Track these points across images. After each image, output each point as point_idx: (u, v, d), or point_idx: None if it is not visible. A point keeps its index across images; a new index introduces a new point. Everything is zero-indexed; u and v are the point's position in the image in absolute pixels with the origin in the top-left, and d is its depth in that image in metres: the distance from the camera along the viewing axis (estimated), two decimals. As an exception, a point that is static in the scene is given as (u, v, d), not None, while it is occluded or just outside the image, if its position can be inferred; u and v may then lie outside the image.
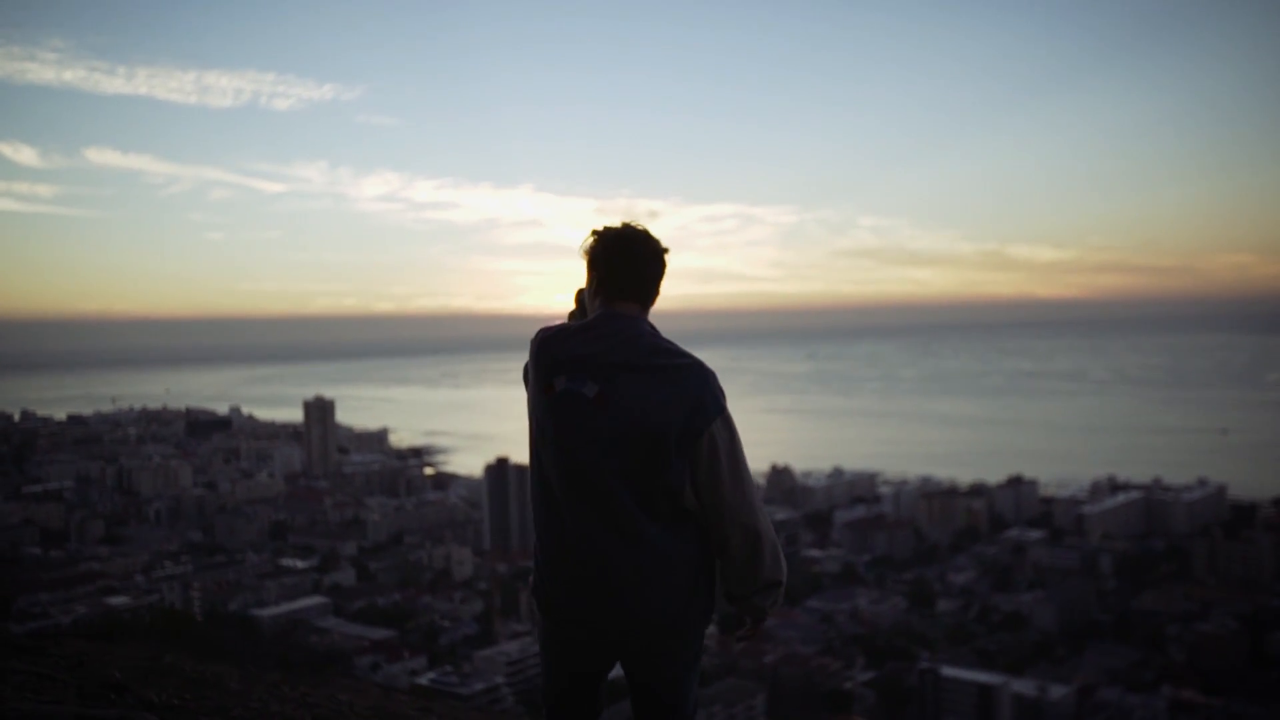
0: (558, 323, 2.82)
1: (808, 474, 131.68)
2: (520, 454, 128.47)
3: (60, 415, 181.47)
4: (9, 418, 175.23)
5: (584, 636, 2.69)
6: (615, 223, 2.75)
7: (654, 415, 2.51)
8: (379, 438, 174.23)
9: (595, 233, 2.74)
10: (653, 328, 2.70)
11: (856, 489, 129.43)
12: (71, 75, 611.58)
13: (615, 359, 2.57)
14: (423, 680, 61.65)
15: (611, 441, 2.52)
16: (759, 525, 2.61)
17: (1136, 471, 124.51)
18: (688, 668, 2.75)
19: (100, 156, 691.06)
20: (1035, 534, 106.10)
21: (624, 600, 2.56)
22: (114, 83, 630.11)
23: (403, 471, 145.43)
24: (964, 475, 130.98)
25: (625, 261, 2.68)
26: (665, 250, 2.73)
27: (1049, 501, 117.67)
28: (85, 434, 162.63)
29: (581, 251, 2.76)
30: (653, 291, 2.73)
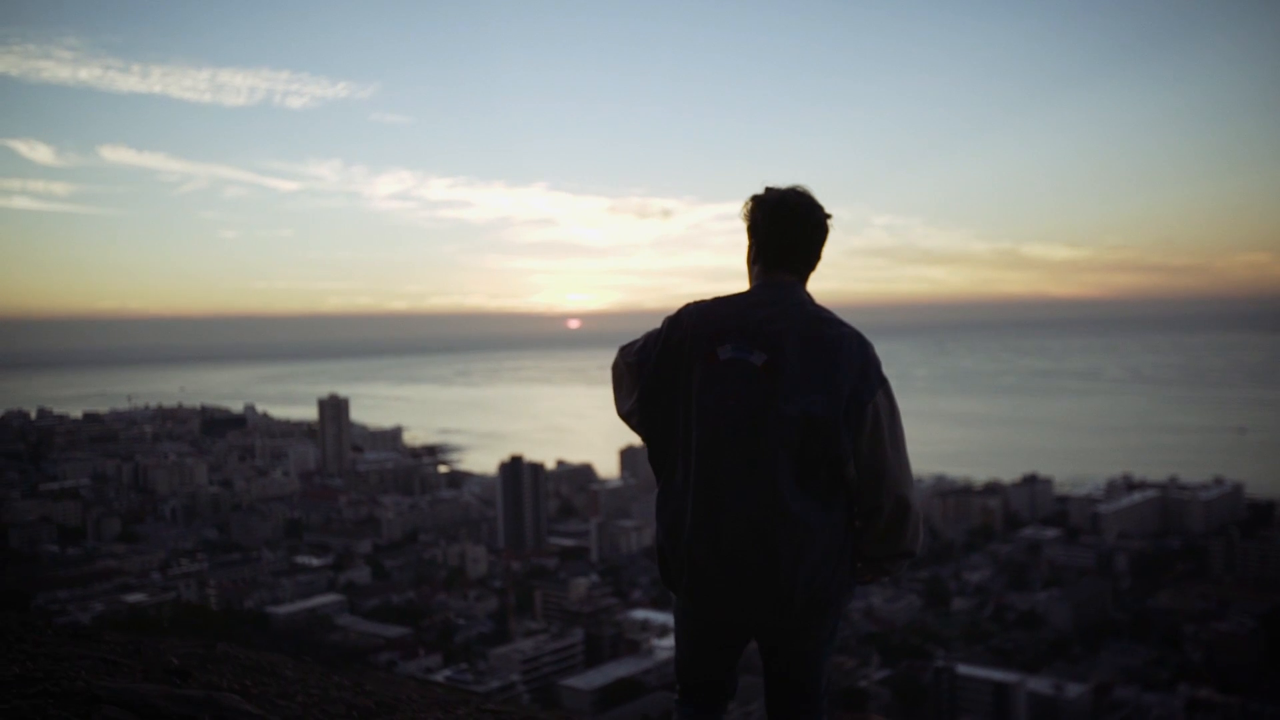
0: (708, 297, 2.72)
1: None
2: (534, 451, 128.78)
3: (76, 413, 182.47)
4: (26, 415, 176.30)
5: (728, 615, 2.59)
6: (779, 186, 2.71)
7: (822, 385, 2.48)
8: (393, 436, 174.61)
9: (756, 198, 2.70)
10: (809, 296, 2.67)
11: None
12: (87, 74, 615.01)
13: (780, 327, 2.53)
14: (439, 678, 61.74)
15: (779, 411, 2.47)
16: (910, 496, 2.61)
17: (1152, 470, 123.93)
18: (825, 644, 2.72)
19: (115, 154, 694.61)
20: (1051, 533, 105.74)
21: (778, 575, 2.49)
22: (129, 81, 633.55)
23: (417, 470, 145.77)
24: (979, 474, 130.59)
25: (787, 229, 2.66)
26: (828, 216, 2.70)
27: (1064, 500, 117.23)
28: (101, 431, 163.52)
29: (741, 216, 2.73)
30: (813, 260, 2.71)
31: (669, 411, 2.59)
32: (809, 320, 2.55)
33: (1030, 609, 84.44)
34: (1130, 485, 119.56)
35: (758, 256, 2.70)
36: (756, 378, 2.50)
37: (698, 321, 2.59)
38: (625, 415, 2.73)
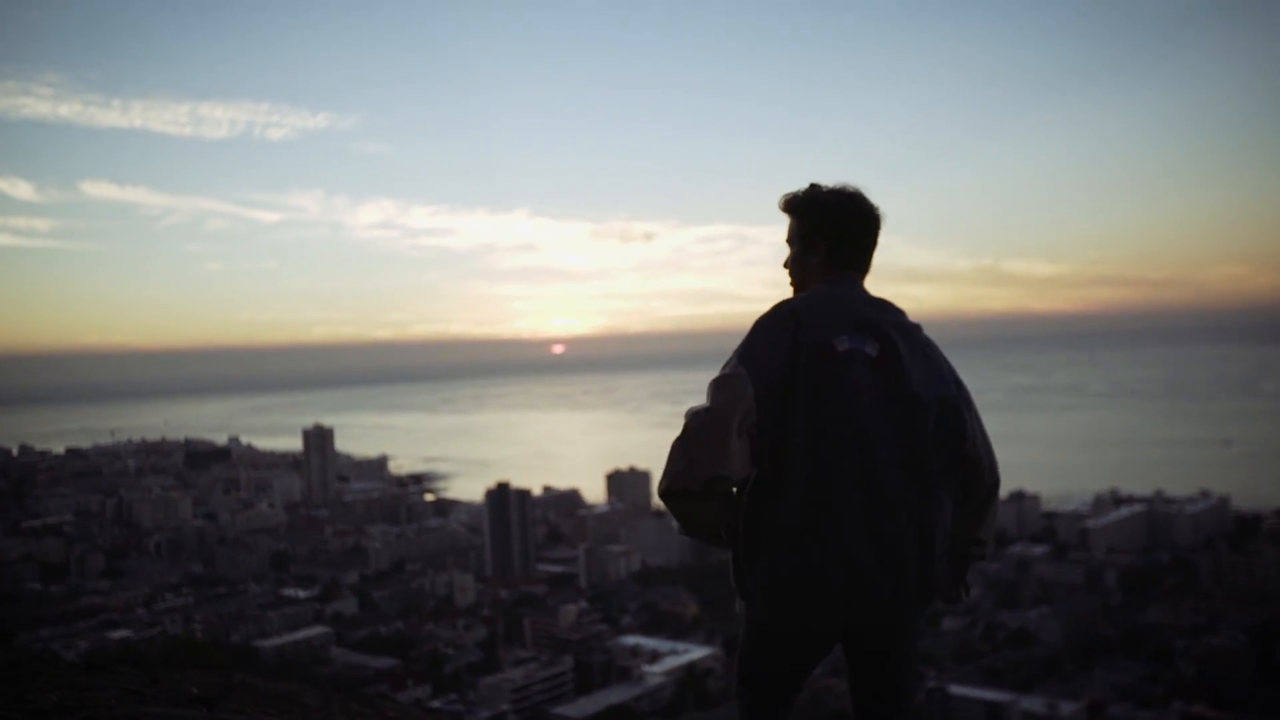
0: (802, 294, 2.69)
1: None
2: (520, 478, 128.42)
3: (59, 449, 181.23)
4: (8, 452, 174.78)
5: (874, 612, 2.52)
6: (841, 185, 2.68)
7: (933, 376, 2.59)
8: (379, 465, 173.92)
9: (823, 198, 2.70)
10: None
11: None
12: (67, 109, 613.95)
13: (880, 318, 2.60)
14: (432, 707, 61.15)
15: (915, 396, 2.53)
16: (999, 481, 2.74)
17: (1139, 484, 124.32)
18: (919, 638, 2.73)
19: (96, 189, 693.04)
20: (1039, 549, 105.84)
21: (932, 564, 2.53)
22: (109, 116, 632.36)
23: (403, 498, 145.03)
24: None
25: (864, 231, 2.72)
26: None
27: (1052, 516, 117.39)
28: (84, 467, 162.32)
29: (792, 210, 2.74)
30: (871, 261, 2.79)
31: (790, 406, 2.49)
32: (894, 313, 2.66)
33: (1021, 627, 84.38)
34: (1117, 500, 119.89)
35: (830, 256, 2.70)
36: (877, 367, 2.53)
37: (807, 316, 2.56)
38: (742, 415, 2.42)
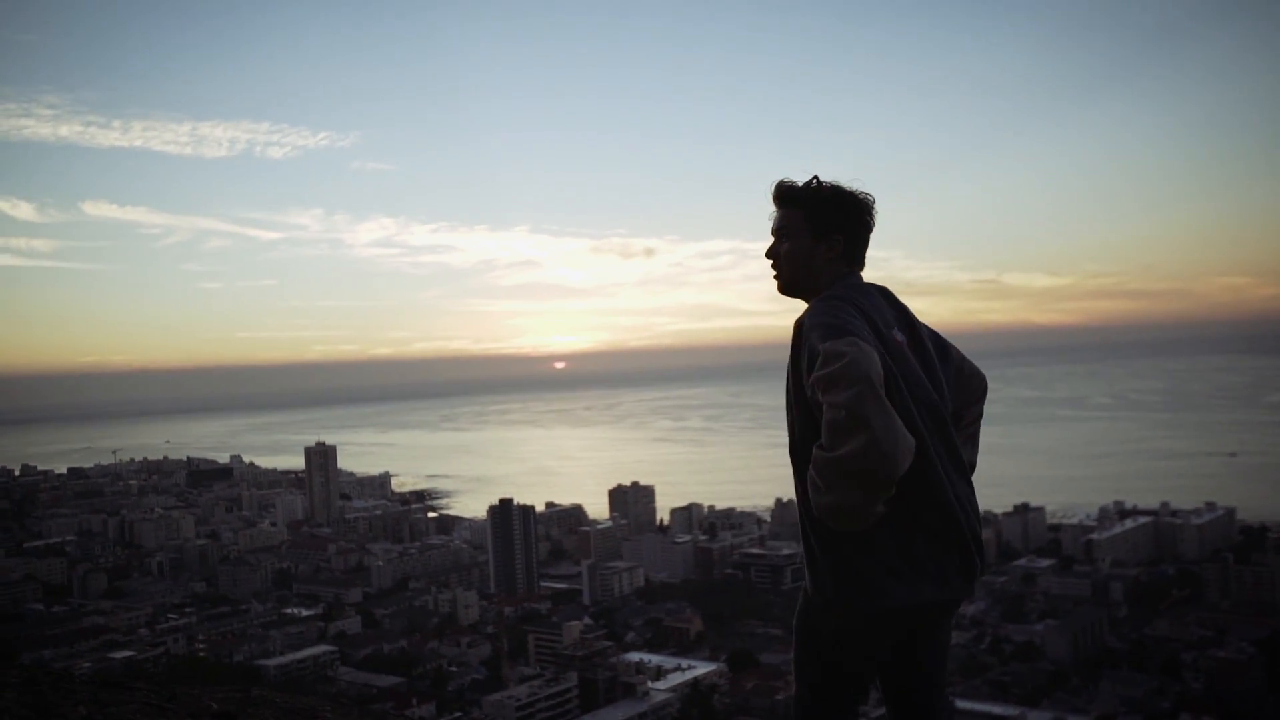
0: (843, 286, 2.67)
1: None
2: (523, 495, 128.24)
3: (61, 468, 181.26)
4: (10, 472, 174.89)
5: (943, 599, 2.54)
6: (838, 182, 2.70)
7: (946, 352, 2.85)
8: (381, 483, 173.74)
9: (850, 194, 2.72)
10: None
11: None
12: (68, 130, 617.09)
13: (897, 306, 2.77)
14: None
15: (949, 383, 2.75)
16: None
17: (1144, 497, 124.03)
18: None
19: (97, 210, 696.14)
20: (1044, 562, 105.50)
21: (979, 534, 2.61)
22: (110, 136, 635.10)
23: (406, 516, 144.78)
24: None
25: (870, 228, 2.78)
26: None
27: (1057, 529, 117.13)
28: (86, 487, 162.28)
29: (808, 203, 2.72)
30: None
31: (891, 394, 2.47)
32: (895, 297, 2.80)
33: (1028, 640, 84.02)
34: (1122, 512, 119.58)
35: (846, 252, 2.73)
36: (917, 355, 2.66)
37: (868, 308, 2.59)
38: (871, 364, 2.33)
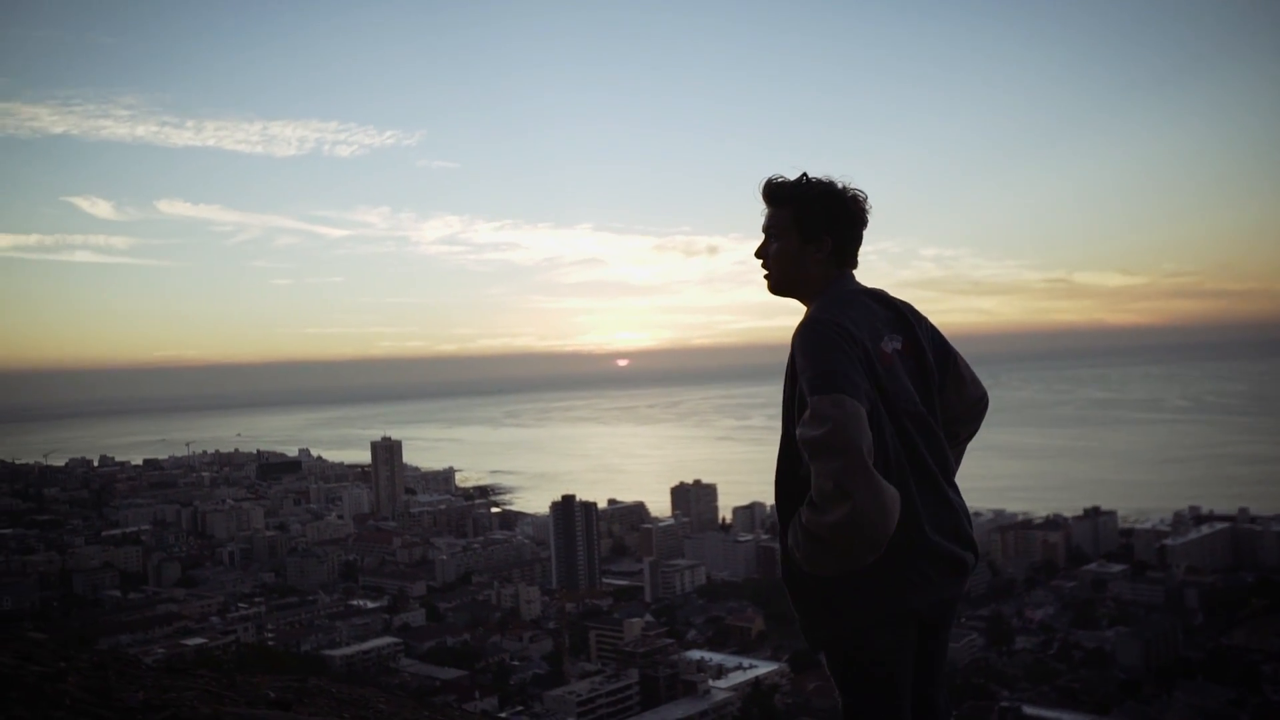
0: (824, 303, 2.62)
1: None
2: (585, 491, 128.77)
3: (137, 460, 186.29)
4: (89, 463, 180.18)
5: (932, 601, 2.59)
6: (830, 178, 2.66)
7: (945, 355, 2.79)
8: (445, 478, 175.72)
9: (844, 193, 2.67)
10: None
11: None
12: (144, 130, 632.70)
13: (894, 306, 2.72)
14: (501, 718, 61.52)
15: (927, 382, 2.67)
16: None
17: (1221, 502, 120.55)
18: None
19: (171, 208, 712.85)
20: (1116, 568, 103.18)
21: (972, 536, 2.69)
22: (184, 136, 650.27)
23: (469, 511, 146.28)
24: (1038, 508, 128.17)
25: (861, 227, 2.72)
26: None
27: (1129, 534, 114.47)
28: (161, 478, 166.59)
29: (797, 201, 2.66)
30: None
31: (880, 413, 2.50)
32: (889, 297, 2.75)
33: (1098, 647, 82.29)
34: (1198, 518, 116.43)
35: (835, 252, 2.68)
36: (911, 362, 2.64)
37: (854, 327, 2.52)
38: (859, 431, 2.35)
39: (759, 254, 2.74)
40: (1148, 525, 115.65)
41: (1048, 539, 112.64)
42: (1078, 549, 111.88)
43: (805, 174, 2.67)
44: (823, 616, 2.55)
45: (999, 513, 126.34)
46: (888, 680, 2.58)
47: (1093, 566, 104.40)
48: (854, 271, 2.73)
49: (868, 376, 2.46)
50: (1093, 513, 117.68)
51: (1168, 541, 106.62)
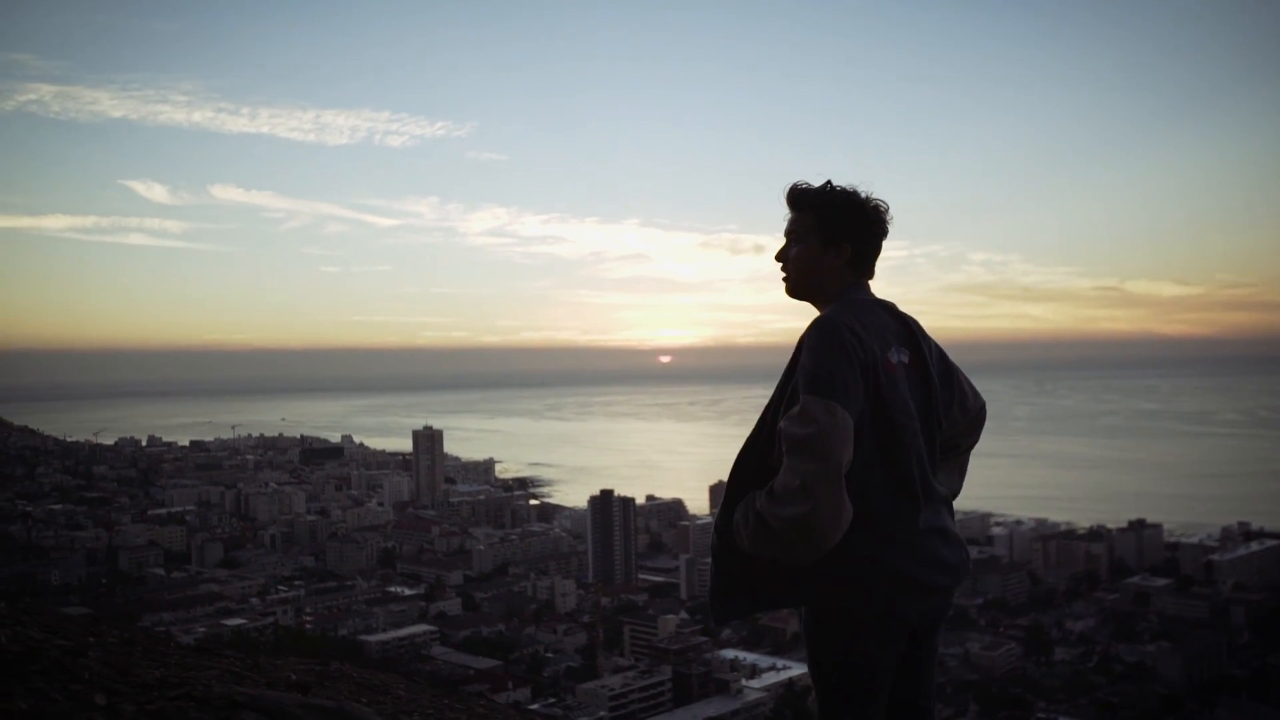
0: (840, 306, 2.66)
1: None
2: (624, 487, 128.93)
3: (184, 441, 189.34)
4: (137, 443, 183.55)
5: (914, 607, 2.60)
6: (854, 188, 2.69)
7: (950, 375, 2.79)
8: (485, 468, 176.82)
9: (866, 203, 2.70)
10: None
11: (968, 529, 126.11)
12: (200, 116, 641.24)
13: (904, 321, 2.72)
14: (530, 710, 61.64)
15: (929, 399, 2.68)
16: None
17: (1272, 519, 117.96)
18: None
19: (225, 193, 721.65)
20: (1160, 582, 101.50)
21: (959, 550, 2.70)
22: (238, 122, 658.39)
23: (508, 502, 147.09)
24: (1082, 518, 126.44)
25: (882, 238, 2.75)
26: None
27: (1174, 548, 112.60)
28: (206, 459, 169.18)
29: (821, 209, 2.70)
30: None
31: (866, 424, 2.53)
32: (900, 312, 2.75)
33: (1139, 661, 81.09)
34: (1248, 534, 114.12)
35: (854, 260, 2.71)
36: (911, 371, 2.65)
37: (864, 332, 2.56)
38: (842, 443, 2.43)
39: (779, 257, 2.78)
40: (1194, 540, 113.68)
41: (1090, 550, 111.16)
42: (1121, 561, 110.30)
43: (829, 181, 2.71)
44: (748, 593, 2.63)
45: (1041, 521, 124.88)
46: (868, 683, 2.62)
47: (1136, 579, 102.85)
48: (869, 282, 2.77)
49: (868, 384, 2.51)
50: (1138, 525, 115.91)
51: (1215, 557, 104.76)
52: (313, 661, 4.55)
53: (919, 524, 2.58)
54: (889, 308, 2.72)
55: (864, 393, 2.50)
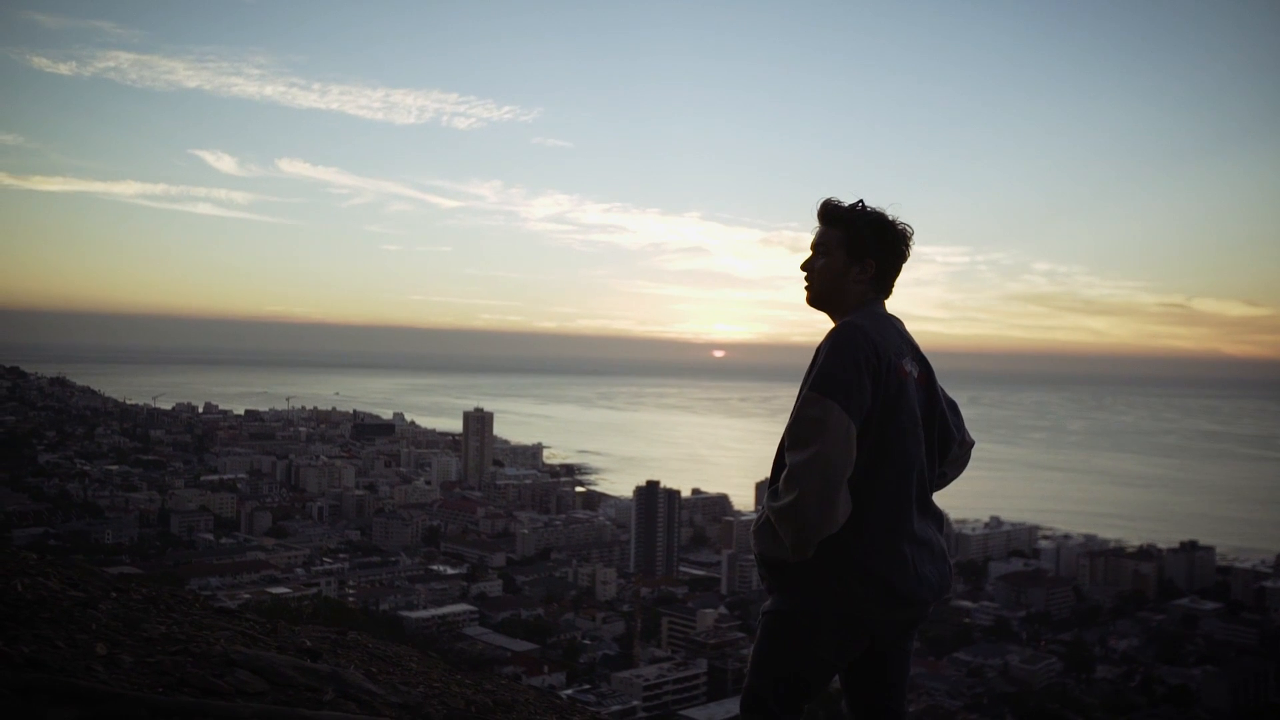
0: (860, 315, 2.77)
1: (963, 522, 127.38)
2: (671, 479, 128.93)
3: (239, 410, 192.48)
4: (194, 409, 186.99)
5: (892, 617, 2.68)
6: (886, 212, 2.82)
7: (941, 393, 2.88)
8: (533, 453, 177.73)
9: (894, 224, 2.82)
10: None
11: (1014, 541, 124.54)
12: (271, 90, 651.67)
13: (912, 342, 2.84)
14: (562, 696, 62.02)
15: (933, 417, 2.80)
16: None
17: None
18: None
19: (292, 167, 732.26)
20: (1209, 605, 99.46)
21: (944, 564, 2.77)
22: (309, 98, 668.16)
23: (554, 488, 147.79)
24: (1132, 536, 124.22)
25: (900, 261, 2.87)
26: None
27: (1226, 571, 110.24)
28: (260, 429, 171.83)
29: (853, 225, 2.81)
30: None
31: (873, 428, 2.64)
32: (914, 341, 2.89)
33: (1183, 684, 79.52)
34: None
35: (876, 277, 2.82)
36: (920, 387, 2.77)
37: (880, 340, 2.68)
38: (850, 464, 2.56)
39: (804, 266, 2.90)
40: (1247, 565, 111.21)
41: (1139, 569, 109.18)
42: (1170, 582, 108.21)
43: (861, 200, 2.85)
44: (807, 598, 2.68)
45: (1090, 537, 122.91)
46: (813, 682, 2.75)
47: (1185, 601, 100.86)
48: (886, 301, 2.89)
49: (878, 392, 2.62)
50: (1189, 546, 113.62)
51: (1268, 584, 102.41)
52: (330, 630, 4.65)
53: (913, 536, 2.67)
54: (900, 325, 2.86)
55: (874, 400, 2.61)
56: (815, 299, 2.87)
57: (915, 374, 2.76)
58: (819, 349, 2.67)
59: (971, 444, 3.00)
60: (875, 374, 2.60)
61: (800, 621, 2.67)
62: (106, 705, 2.22)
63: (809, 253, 2.89)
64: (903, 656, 2.84)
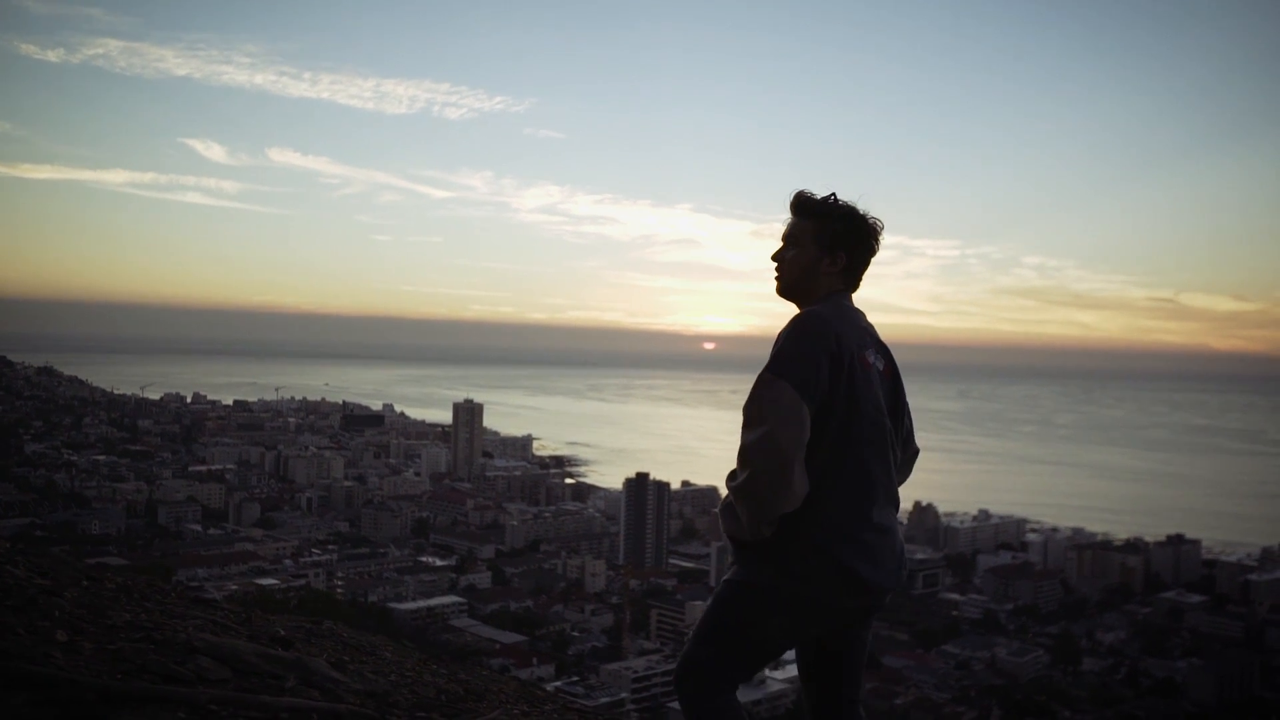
0: (824, 305, 2.79)
1: (951, 515, 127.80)
2: (660, 471, 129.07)
3: (228, 400, 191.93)
4: (182, 399, 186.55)
5: (850, 604, 2.69)
6: (857, 206, 2.82)
7: (901, 387, 2.90)
8: (523, 444, 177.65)
9: (865, 218, 2.83)
10: None
11: (1003, 534, 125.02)
12: (262, 79, 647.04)
13: (876, 336, 2.86)
14: (549, 689, 62.07)
15: (896, 409, 2.84)
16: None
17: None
18: None
19: (282, 156, 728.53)
20: (1195, 598, 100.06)
21: (901, 554, 2.78)
22: (299, 87, 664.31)
23: (543, 480, 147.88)
24: (1119, 529, 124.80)
25: (869, 254, 2.87)
26: None
27: (1212, 565, 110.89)
28: (249, 420, 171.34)
29: (825, 217, 2.81)
30: None
31: (835, 414, 2.65)
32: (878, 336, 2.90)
33: (1168, 677, 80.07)
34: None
35: (846, 270, 2.83)
36: (884, 379, 2.80)
37: (841, 329, 2.69)
38: (802, 444, 2.58)
39: (775, 257, 2.90)
40: (1233, 559, 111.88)
41: (1126, 562, 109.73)
42: (1156, 575, 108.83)
43: (833, 193, 2.85)
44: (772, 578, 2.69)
45: (1078, 530, 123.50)
46: (761, 657, 2.73)
47: (1171, 594, 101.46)
48: (854, 294, 2.90)
49: (838, 377, 2.63)
50: (1176, 540, 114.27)
51: (1253, 577, 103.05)
52: (306, 620, 4.64)
53: (874, 523, 2.68)
54: (863, 318, 2.87)
55: (833, 385, 2.62)
56: (785, 289, 2.89)
57: (880, 366, 2.79)
58: (780, 334, 2.70)
59: (915, 451, 3.02)
60: (835, 359, 2.62)
61: (759, 596, 2.67)
62: (59, 690, 2.23)
63: (780, 243, 2.90)
64: (860, 645, 2.86)
